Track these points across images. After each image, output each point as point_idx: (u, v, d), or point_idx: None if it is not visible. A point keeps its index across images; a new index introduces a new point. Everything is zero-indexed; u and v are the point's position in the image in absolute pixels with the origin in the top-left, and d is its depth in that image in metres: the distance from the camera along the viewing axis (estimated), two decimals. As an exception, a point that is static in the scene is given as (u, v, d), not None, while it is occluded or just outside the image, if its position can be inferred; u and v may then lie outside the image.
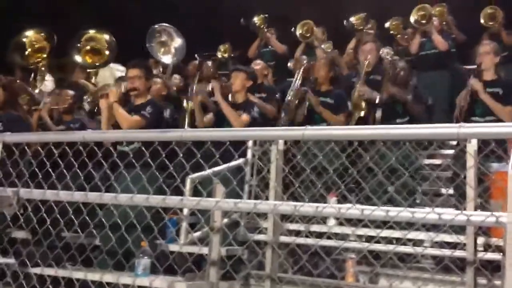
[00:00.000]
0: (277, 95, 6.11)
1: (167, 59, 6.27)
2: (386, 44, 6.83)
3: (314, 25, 7.35)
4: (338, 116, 5.21)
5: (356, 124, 5.09)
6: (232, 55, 8.17)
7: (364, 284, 4.12)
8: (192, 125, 5.43)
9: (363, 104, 5.15)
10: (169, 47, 6.24)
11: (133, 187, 2.71)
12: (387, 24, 7.34)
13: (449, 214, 2.00)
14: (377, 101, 5.07)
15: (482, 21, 6.70)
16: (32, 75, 6.17)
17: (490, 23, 6.69)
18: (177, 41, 6.26)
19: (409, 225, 3.72)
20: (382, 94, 5.07)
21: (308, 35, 7.31)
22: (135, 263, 3.63)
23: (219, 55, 8.11)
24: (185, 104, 5.71)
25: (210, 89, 5.25)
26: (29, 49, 6.00)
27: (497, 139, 3.21)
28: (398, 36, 7.25)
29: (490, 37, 6.45)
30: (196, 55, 7.56)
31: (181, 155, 2.56)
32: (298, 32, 7.36)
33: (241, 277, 4.11)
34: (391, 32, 7.31)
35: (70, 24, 6.54)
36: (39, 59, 5.95)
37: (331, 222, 4.50)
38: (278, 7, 8.42)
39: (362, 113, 5.15)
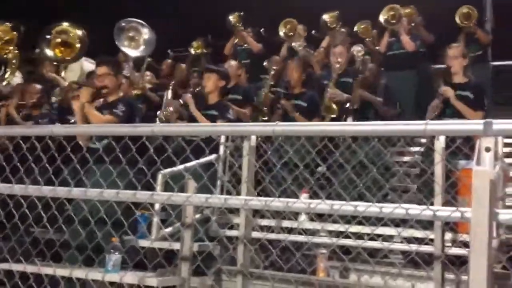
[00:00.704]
0: (252, 97, 6.13)
1: (137, 53, 6.23)
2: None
3: (297, 24, 7.35)
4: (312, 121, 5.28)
5: None
6: (205, 51, 8.14)
7: (333, 279, 4.16)
8: None
9: (334, 106, 5.23)
10: (137, 41, 6.20)
11: (103, 182, 2.69)
12: (355, 28, 7.37)
13: (416, 209, 2.04)
14: (347, 105, 5.15)
15: (457, 20, 6.80)
16: (2, 68, 6.06)
17: (465, 22, 6.79)
18: (145, 33, 6.21)
19: (379, 221, 3.78)
20: (352, 100, 5.16)
21: (291, 34, 7.32)
22: (106, 259, 3.60)
23: (192, 51, 8.07)
24: (160, 114, 5.66)
25: (182, 102, 5.23)
26: None
27: (465, 137, 3.29)
28: (367, 39, 7.31)
29: (466, 36, 6.57)
30: (168, 50, 7.53)
31: (152, 150, 2.55)
32: (282, 31, 7.35)
33: (213, 272, 4.11)
34: (360, 35, 7.35)
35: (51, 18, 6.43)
36: (8, 51, 5.84)
37: (302, 218, 4.53)
38: (259, 5, 8.39)
39: (334, 116, 5.23)
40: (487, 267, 1.73)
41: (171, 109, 5.19)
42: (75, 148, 2.76)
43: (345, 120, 5.12)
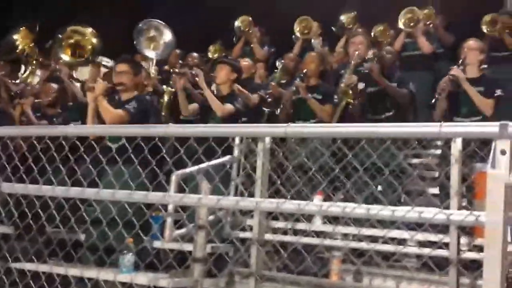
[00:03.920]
0: (260, 91, 6.10)
1: (155, 54, 6.21)
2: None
3: (312, 22, 7.34)
4: (324, 106, 5.20)
5: (343, 111, 5.08)
6: (224, 54, 8.12)
7: (345, 282, 4.12)
8: (174, 111, 5.46)
9: (350, 92, 5.09)
10: (158, 42, 6.18)
11: (116, 183, 2.69)
12: (372, 32, 7.28)
13: (429, 212, 2.00)
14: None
15: (484, 29, 6.55)
16: (22, 68, 6.10)
17: (492, 28, 6.55)
18: (167, 35, 6.19)
19: (393, 224, 3.74)
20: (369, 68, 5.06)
21: (306, 31, 7.31)
22: (119, 259, 3.61)
23: (209, 55, 8.08)
24: (164, 87, 5.69)
25: (191, 73, 5.23)
26: (20, 46, 5.97)
27: (483, 139, 3.24)
28: (385, 42, 7.20)
29: (491, 40, 6.33)
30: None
31: (164, 151, 2.55)
32: (296, 29, 7.33)
33: (225, 274, 4.10)
34: (379, 39, 7.25)
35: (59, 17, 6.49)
36: (25, 50, 5.89)
37: (317, 220, 4.50)
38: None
39: (350, 100, 5.10)
40: (501, 272, 1.70)
41: (182, 81, 5.13)
42: (89, 148, 2.76)
43: (356, 87, 4.99)
